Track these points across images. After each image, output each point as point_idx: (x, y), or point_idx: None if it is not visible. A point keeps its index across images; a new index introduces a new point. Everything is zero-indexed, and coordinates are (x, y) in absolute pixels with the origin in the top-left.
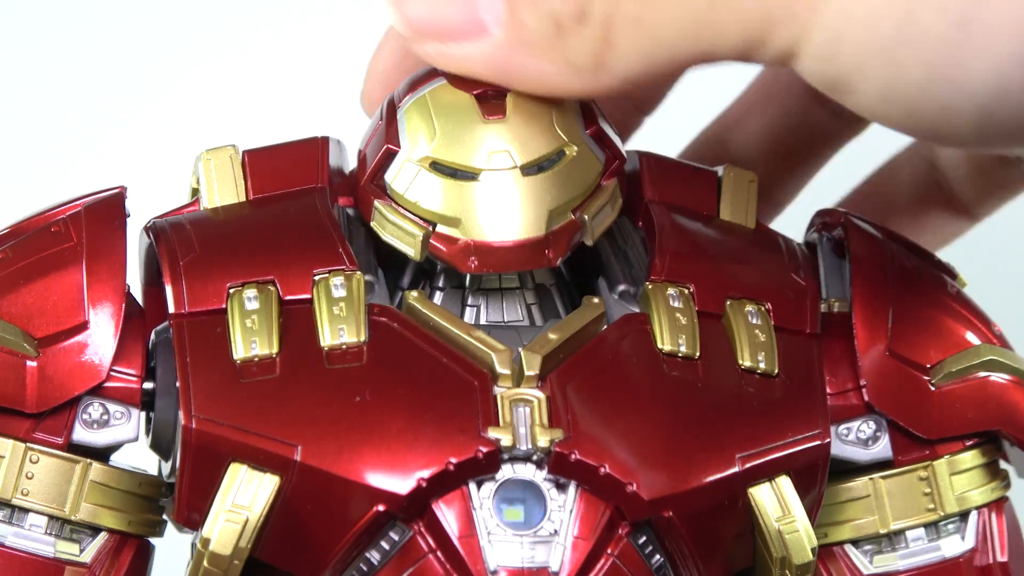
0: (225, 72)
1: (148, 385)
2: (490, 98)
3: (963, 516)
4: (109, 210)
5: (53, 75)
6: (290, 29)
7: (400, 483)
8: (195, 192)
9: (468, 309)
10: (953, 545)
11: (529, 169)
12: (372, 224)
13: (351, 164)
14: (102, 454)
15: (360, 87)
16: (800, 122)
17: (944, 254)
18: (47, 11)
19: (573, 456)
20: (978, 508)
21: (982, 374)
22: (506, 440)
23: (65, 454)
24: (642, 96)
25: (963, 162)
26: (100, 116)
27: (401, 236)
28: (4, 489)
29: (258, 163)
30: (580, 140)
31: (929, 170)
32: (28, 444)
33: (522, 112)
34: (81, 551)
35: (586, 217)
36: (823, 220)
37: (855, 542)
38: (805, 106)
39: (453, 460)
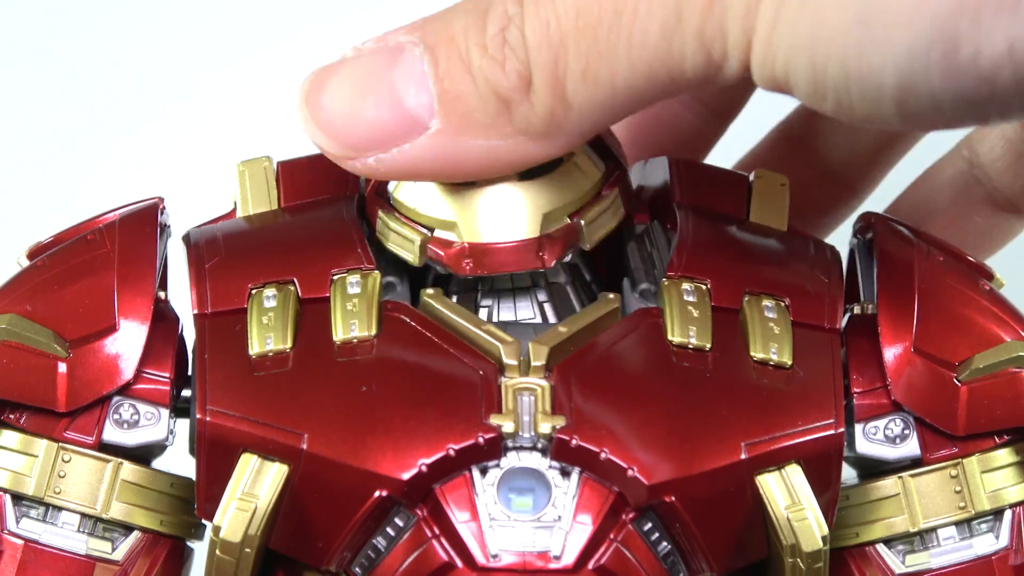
0: (265, 82)
1: (186, 392)
2: None
3: (997, 514)
4: (142, 219)
5: (96, 88)
6: (329, 39)
7: (402, 469)
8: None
9: (481, 310)
10: (986, 543)
11: (526, 173)
12: (377, 235)
13: None
14: (138, 457)
15: None
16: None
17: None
18: (88, 24)
19: (574, 441)
20: (1012, 506)
21: (1012, 370)
22: (508, 427)
23: (97, 453)
24: (721, 105)
25: (1002, 153)
26: (146, 128)
27: (401, 243)
28: (38, 488)
29: (290, 173)
30: (580, 148)
31: (969, 168)
32: (60, 444)
33: None
34: (113, 549)
35: (583, 222)
36: (859, 224)
37: (887, 542)
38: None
39: (454, 446)
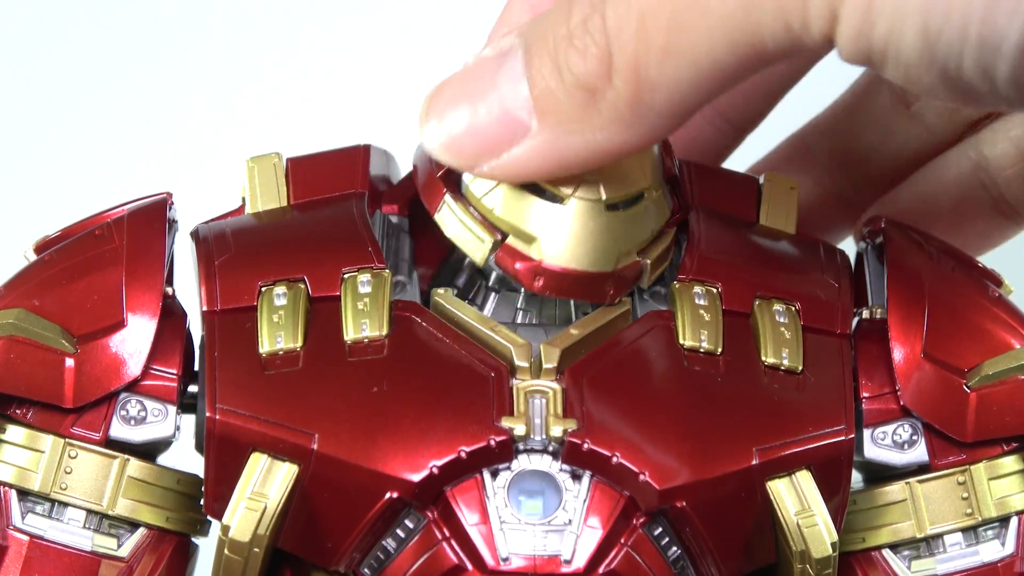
0: (275, 78)
1: (193, 388)
2: None
3: (1003, 521)
4: (150, 214)
5: (105, 83)
6: (339, 35)
7: (412, 470)
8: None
9: (520, 312)
10: (992, 550)
11: (612, 205)
12: (436, 216)
13: (400, 174)
14: (143, 453)
15: (410, 91)
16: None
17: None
18: (96, 19)
19: (585, 445)
20: (1018, 513)
21: (1021, 378)
22: (519, 429)
23: (103, 449)
24: (741, 118)
25: (1013, 161)
26: (152, 124)
27: (469, 238)
28: (44, 483)
29: (300, 170)
30: (659, 185)
31: (974, 171)
32: (67, 439)
33: None
34: (119, 545)
35: (647, 261)
36: (868, 228)
37: (894, 548)
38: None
39: (465, 448)
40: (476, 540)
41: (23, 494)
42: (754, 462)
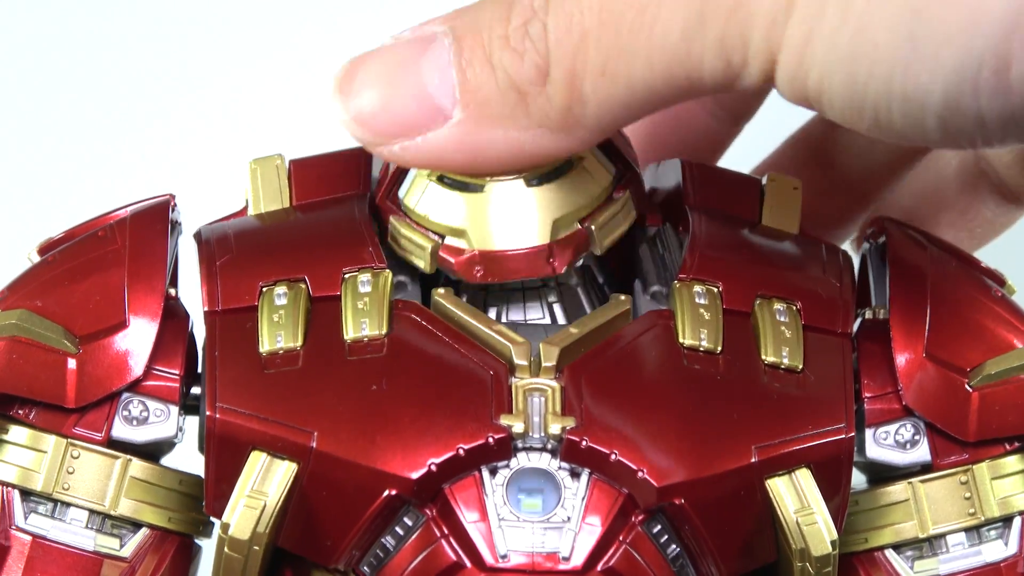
0: (277, 80)
1: (196, 390)
2: None
3: (1006, 521)
4: (153, 216)
5: (107, 85)
6: (341, 36)
7: (411, 468)
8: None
9: (490, 310)
10: (995, 550)
11: (535, 179)
12: (388, 240)
13: None
14: (147, 454)
15: None
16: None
17: (993, 262)
18: (97, 20)
19: (584, 443)
20: (1022, 513)
21: (1021, 377)
22: (518, 427)
23: (105, 449)
24: (737, 107)
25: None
26: (155, 126)
27: (412, 249)
28: (46, 483)
29: (302, 171)
30: (589, 151)
31: (975, 158)
32: (69, 440)
33: None
34: (121, 546)
35: (593, 227)
36: (871, 229)
37: (897, 548)
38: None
39: (464, 446)
40: (475, 537)
41: (26, 494)
42: (753, 460)
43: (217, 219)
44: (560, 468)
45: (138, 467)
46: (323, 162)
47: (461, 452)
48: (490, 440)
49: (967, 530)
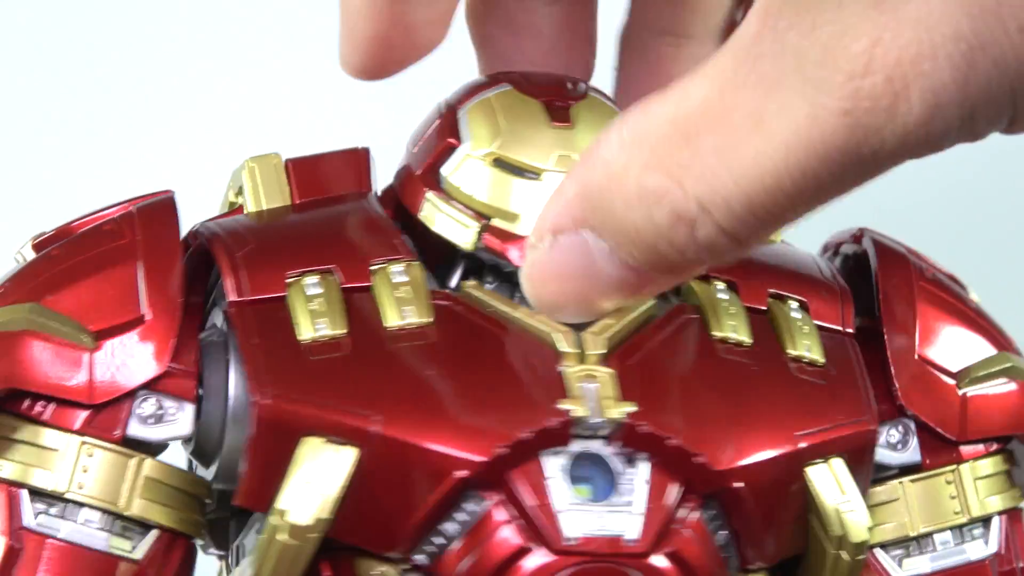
0: (270, 81)
1: (199, 391)
2: (557, 106)
3: (986, 521)
4: (162, 211)
5: (99, 86)
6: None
7: (477, 451)
8: (231, 205)
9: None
10: (977, 549)
11: None
12: (420, 215)
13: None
14: (154, 451)
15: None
16: None
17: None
18: (92, 20)
19: (644, 428)
20: (1000, 513)
21: (1002, 380)
22: (579, 412)
23: (121, 448)
24: None
25: None
26: (146, 127)
27: (453, 226)
28: (60, 483)
29: (302, 170)
30: None
31: None
32: (84, 438)
33: (587, 121)
34: (133, 548)
35: None
36: (837, 242)
37: (884, 547)
38: None
39: (527, 430)
40: (539, 522)
41: (38, 494)
42: (801, 446)
43: (211, 217)
44: (616, 453)
45: (151, 466)
46: (322, 161)
47: (524, 436)
48: (551, 425)
49: (953, 529)
